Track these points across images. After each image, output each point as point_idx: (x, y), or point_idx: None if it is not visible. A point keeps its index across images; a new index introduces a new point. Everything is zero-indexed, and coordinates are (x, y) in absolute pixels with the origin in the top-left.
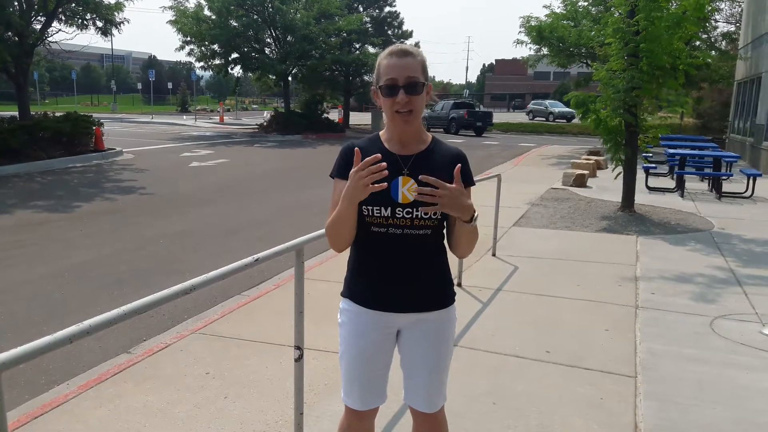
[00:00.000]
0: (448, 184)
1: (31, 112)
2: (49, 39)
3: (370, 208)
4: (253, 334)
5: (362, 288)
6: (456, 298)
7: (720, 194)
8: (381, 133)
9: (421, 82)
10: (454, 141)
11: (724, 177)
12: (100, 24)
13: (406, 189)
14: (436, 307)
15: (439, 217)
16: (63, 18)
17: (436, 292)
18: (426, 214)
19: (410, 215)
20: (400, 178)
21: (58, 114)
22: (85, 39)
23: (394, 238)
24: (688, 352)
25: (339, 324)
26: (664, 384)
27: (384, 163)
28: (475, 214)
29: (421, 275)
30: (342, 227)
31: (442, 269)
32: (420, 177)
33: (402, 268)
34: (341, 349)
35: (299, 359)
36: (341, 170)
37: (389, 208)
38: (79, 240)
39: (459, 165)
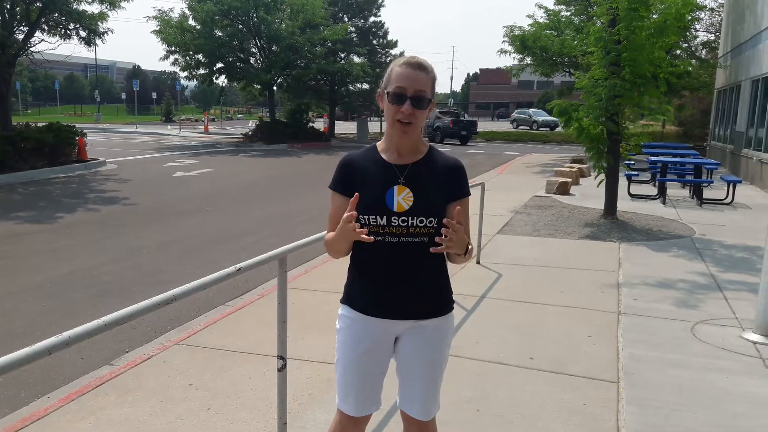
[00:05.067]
0: (458, 226)
1: (13, 123)
2: (32, 49)
3: (366, 217)
4: (237, 344)
5: (361, 294)
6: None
7: (701, 201)
8: (378, 143)
9: (428, 98)
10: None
11: (704, 184)
12: (83, 34)
13: (401, 198)
14: (434, 314)
15: (435, 225)
16: (46, 28)
17: (434, 299)
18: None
19: (405, 224)
20: (395, 188)
21: (40, 124)
22: (69, 49)
23: (391, 246)
24: (669, 357)
25: (337, 330)
26: (646, 389)
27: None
28: (469, 247)
29: (418, 282)
30: (337, 249)
31: (440, 276)
32: (444, 221)
33: (399, 275)
34: (338, 355)
35: (282, 369)
36: (338, 183)
37: (385, 217)
38: (61, 251)
39: (458, 208)
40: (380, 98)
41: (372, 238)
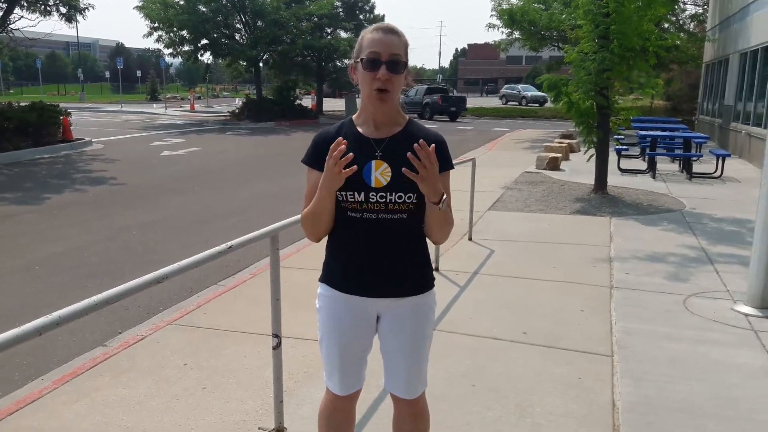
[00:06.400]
0: (433, 157)
1: None
2: (12, 26)
3: (344, 193)
4: (231, 323)
5: (339, 273)
6: (435, 283)
7: (690, 175)
8: (354, 117)
9: (404, 62)
10: (428, 126)
11: (694, 158)
12: (63, 10)
13: (379, 173)
14: (414, 292)
15: (414, 201)
16: (25, 4)
17: (413, 277)
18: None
19: (384, 200)
20: (373, 162)
21: (23, 104)
22: (49, 26)
23: (370, 222)
24: (662, 330)
25: (317, 309)
26: (640, 362)
27: (349, 154)
28: (443, 198)
29: (397, 260)
30: (319, 217)
31: (419, 254)
32: (415, 146)
33: (378, 252)
34: (319, 334)
35: (277, 347)
36: (311, 158)
37: (362, 193)
38: (49, 232)
39: (434, 144)
40: (353, 71)
41: (355, 167)
